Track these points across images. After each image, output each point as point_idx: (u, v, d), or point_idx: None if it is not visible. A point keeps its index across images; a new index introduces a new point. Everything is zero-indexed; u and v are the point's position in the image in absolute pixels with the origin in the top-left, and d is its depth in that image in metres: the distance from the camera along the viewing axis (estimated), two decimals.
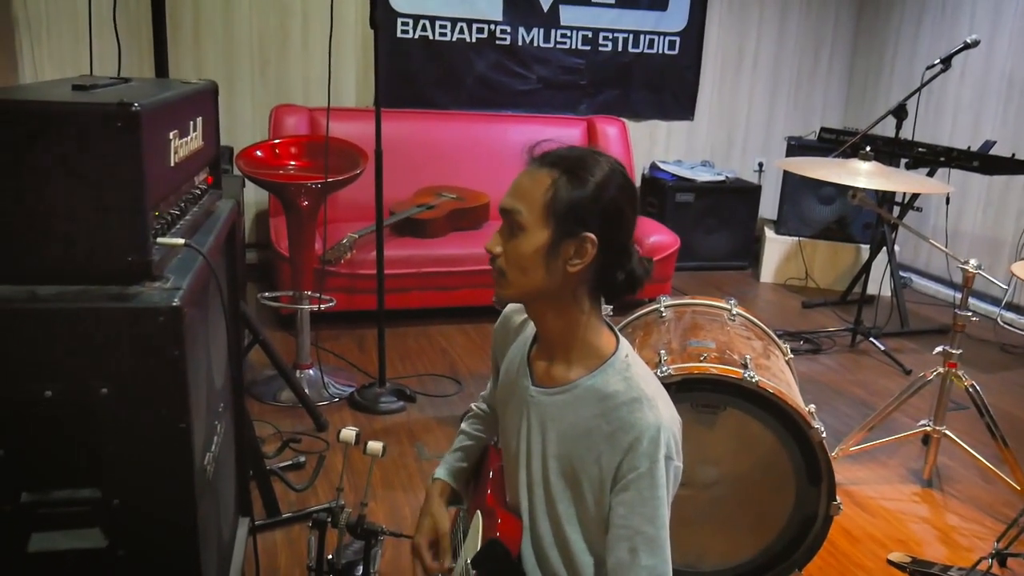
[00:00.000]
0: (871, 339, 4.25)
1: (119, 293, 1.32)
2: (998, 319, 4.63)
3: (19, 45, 2.54)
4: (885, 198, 4.46)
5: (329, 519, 2.04)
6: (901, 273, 4.95)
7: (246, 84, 4.72)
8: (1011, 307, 4.79)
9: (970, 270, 2.75)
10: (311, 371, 3.42)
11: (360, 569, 2.10)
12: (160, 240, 1.39)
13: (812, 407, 2.17)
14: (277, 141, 3.38)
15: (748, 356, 2.19)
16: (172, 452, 1.38)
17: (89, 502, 1.35)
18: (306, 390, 3.23)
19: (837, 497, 2.14)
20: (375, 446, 2.12)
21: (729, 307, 2.57)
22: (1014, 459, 2.78)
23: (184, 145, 1.62)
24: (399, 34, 5.00)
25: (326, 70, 4.80)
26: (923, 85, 3.96)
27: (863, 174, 2.95)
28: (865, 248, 5.23)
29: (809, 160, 3.22)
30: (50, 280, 1.30)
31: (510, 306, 1.62)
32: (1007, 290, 2.86)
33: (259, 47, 4.73)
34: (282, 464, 2.75)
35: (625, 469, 1.33)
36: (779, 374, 2.31)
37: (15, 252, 1.28)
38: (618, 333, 1.46)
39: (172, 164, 1.53)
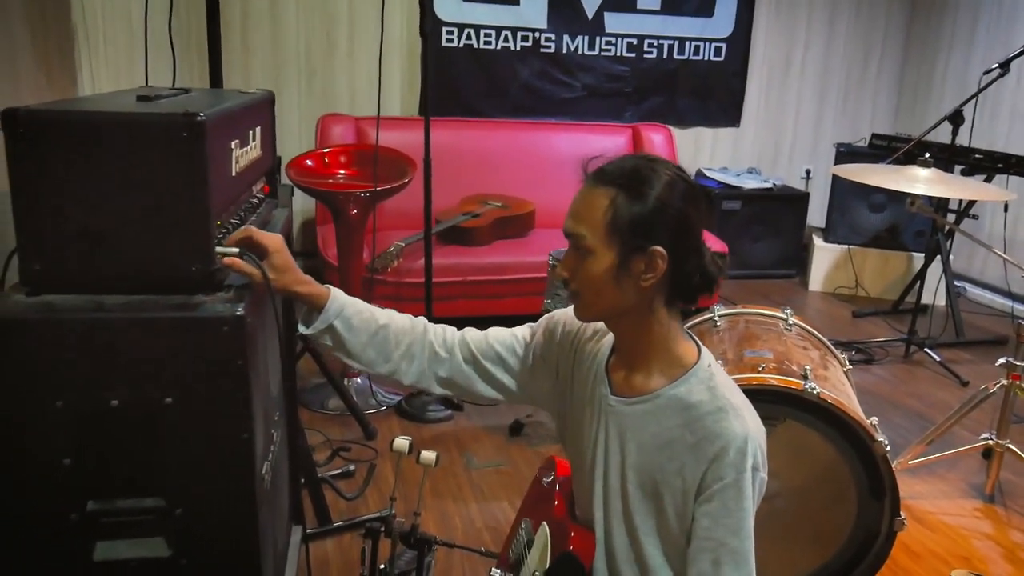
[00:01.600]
0: (926, 350, 4.15)
1: (184, 303, 1.32)
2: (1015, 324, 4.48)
3: (78, 54, 2.59)
4: (940, 205, 4.36)
5: (382, 528, 2.03)
6: (955, 282, 4.82)
7: (293, 93, 4.77)
8: None
9: None
10: (359, 379, 3.42)
11: None
12: (218, 249, 1.40)
13: (875, 419, 2.12)
14: (326, 150, 3.41)
15: (807, 367, 2.14)
16: (234, 462, 1.38)
17: (153, 511, 1.36)
18: (354, 398, 3.23)
19: (901, 513, 2.08)
20: (428, 456, 2.11)
21: (785, 316, 2.52)
22: None
23: (244, 155, 1.63)
24: (444, 43, 5.01)
25: (372, 79, 4.88)
26: (981, 90, 3.87)
27: (922, 181, 2.88)
28: (917, 256, 5.12)
29: (865, 167, 3.16)
30: (115, 290, 1.31)
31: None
32: None
33: (306, 56, 4.78)
34: (332, 472, 2.75)
35: (710, 480, 1.30)
36: (839, 385, 2.25)
37: (82, 262, 1.29)
38: (699, 342, 1.43)
39: (233, 174, 1.54)
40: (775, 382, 2.06)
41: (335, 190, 3.15)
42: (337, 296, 1.51)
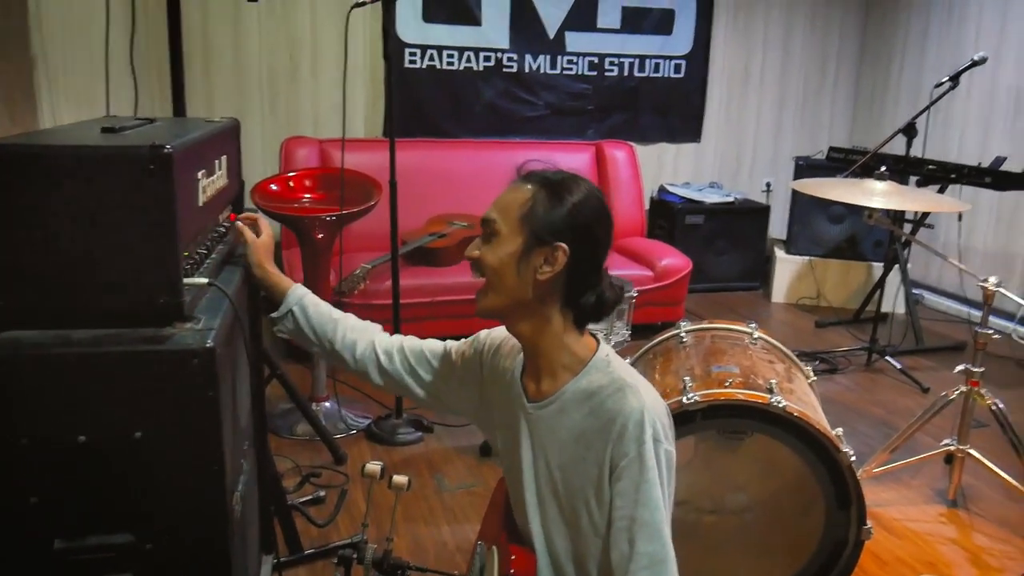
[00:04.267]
0: (887, 358, 4.23)
1: (153, 335, 1.32)
2: (1013, 334, 4.61)
3: (37, 85, 2.57)
4: (896, 216, 4.46)
5: (355, 555, 2.03)
6: (913, 290, 4.93)
7: (256, 117, 4.75)
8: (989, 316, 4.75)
9: (990, 287, 2.74)
10: (327, 403, 3.40)
11: None
12: (186, 281, 1.40)
13: (839, 430, 2.16)
14: (291, 174, 3.39)
15: (773, 380, 2.18)
16: (206, 494, 1.37)
17: (122, 547, 1.34)
18: (323, 423, 3.21)
19: (868, 521, 2.12)
20: (400, 480, 2.11)
21: (750, 331, 2.56)
22: None
23: (211, 184, 1.63)
24: (407, 64, 5.03)
25: (335, 102, 4.88)
26: (932, 103, 3.97)
27: (878, 194, 2.94)
28: (876, 266, 5.22)
29: (823, 181, 3.23)
30: (82, 324, 1.31)
31: (500, 329, 1.63)
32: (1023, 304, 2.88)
33: (269, 80, 4.76)
34: (303, 499, 2.73)
35: (616, 458, 1.36)
36: (804, 397, 2.29)
37: (48, 296, 1.29)
38: (598, 336, 1.50)
39: (200, 204, 1.54)
40: (742, 396, 2.09)
41: (301, 214, 3.15)
42: (298, 287, 1.73)
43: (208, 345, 1.32)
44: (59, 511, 1.31)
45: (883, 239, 5.21)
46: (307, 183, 3.31)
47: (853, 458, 2.09)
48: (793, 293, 5.44)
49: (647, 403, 1.35)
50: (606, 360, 1.44)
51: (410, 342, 1.74)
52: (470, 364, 1.65)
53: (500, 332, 1.65)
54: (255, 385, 2.05)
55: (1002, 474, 2.82)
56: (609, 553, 1.36)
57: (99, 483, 1.32)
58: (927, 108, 4.01)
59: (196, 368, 1.31)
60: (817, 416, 2.18)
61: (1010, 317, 4.81)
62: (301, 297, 1.71)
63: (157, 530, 1.35)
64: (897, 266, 4.56)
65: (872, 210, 2.94)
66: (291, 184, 3.31)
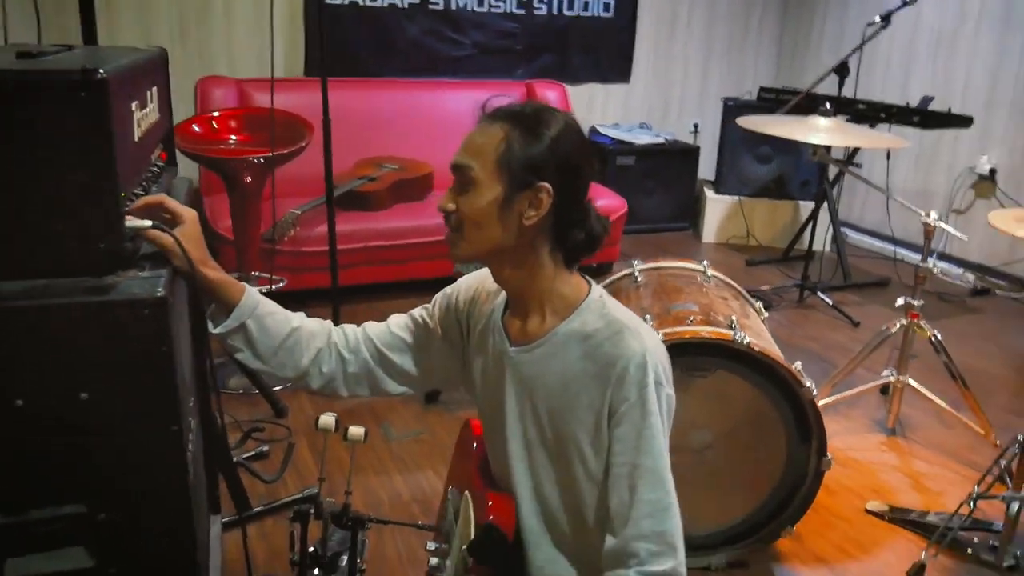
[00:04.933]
0: (818, 293, 4.31)
1: (95, 285, 1.18)
2: (934, 268, 4.75)
3: None
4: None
5: (312, 510, 1.94)
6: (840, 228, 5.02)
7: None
8: (943, 256, 4.92)
9: (931, 223, 2.78)
10: None
11: (344, 560, 2.00)
12: (129, 223, 1.25)
13: (798, 364, 2.16)
14: (216, 114, 3.18)
15: (733, 317, 2.16)
16: (163, 458, 1.25)
17: (72, 519, 1.22)
18: (260, 375, 3.07)
19: (828, 453, 2.14)
20: (356, 431, 2.01)
21: (702, 268, 2.54)
22: (976, 403, 2.84)
23: (144, 118, 1.47)
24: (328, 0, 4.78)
25: (251, 39, 4.61)
26: (864, 43, 3.99)
27: (823, 130, 2.94)
28: (803, 204, 5.31)
29: (767, 118, 3.21)
30: (14, 274, 1.16)
31: (476, 277, 1.53)
32: (964, 239, 2.93)
33: (178, 14, 4.45)
34: (246, 455, 2.61)
35: (616, 403, 1.28)
36: (761, 333, 2.29)
37: None
38: (589, 279, 1.41)
39: (136, 139, 1.39)
40: (706, 334, 2.06)
41: (228, 157, 2.95)
42: (251, 293, 1.44)
43: (159, 294, 1.18)
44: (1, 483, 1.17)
45: (809, 179, 5.29)
46: (232, 124, 3.11)
47: (815, 392, 2.09)
48: (723, 233, 5.49)
49: (649, 346, 1.28)
50: (600, 301, 1.35)
51: (372, 327, 1.56)
52: (447, 324, 1.53)
53: (469, 281, 1.54)
54: (198, 335, 1.92)
55: (939, 402, 2.91)
56: (607, 500, 1.30)
57: (43, 451, 1.18)
58: (859, 47, 4.02)
59: (147, 320, 1.17)
60: (776, 351, 2.18)
61: (930, 253, 4.97)
62: (256, 306, 1.42)
63: (111, 499, 1.22)
64: (826, 204, 4.63)
65: (816, 147, 2.94)
66: (215, 125, 3.10)
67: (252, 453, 2.64)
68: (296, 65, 4.80)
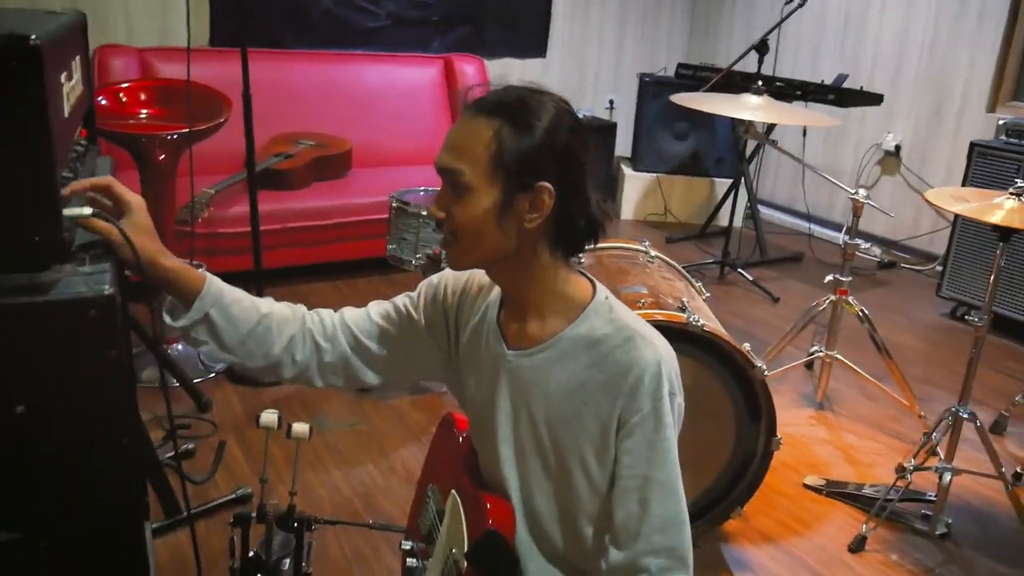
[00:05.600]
0: (738, 270, 4.39)
1: (30, 283, 1.04)
2: (842, 243, 4.90)
3: None
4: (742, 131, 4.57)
5: (254, 514, 1.82)
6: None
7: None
8: (849, 231, 5.07)
9: (860, 200, 2.83)
10: (179, 345, 3.07)
11: (286, 563, 1.90)
12: (66, 212, 1.11)
13: (747, 345, 2.16)
14: (124, 86, 2.94)
15: (683, 299, 2.14)
16: (113, 474, 1.12)
17: (8, 547, 1.08)
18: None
19: (777, 433, 2.15)
20: (301, 428, 1.91)
21: (645, 249, 2.51)
22: (902, 376, 2.93)
23: (72, 91, 1.32)
24: None
25: (152, 5, 4.31)
26: (783, 20, 4.05)
27: (755, 108, 2.95)
28: (719, 182, 5.39)
29: (702, 95, 3.20)
30: None
31: (460, 275, 1.44)
32: (892, 216, 3.04)
33: None
34: (170, 454, 2.44)
35: (627, 414, 1.21)
36: (709, 314, 2.28)
37: None
38: (592, 278, 1.33)
39: (66, 115, 1.23)
40: (660, 317, 2.03)
41: (140, 132, 2.74)
42: (213, 281, 1.32)
43: (106, 292, 1.05)
44: None
45: (724, 156, 5.37)
46: (143, 96, 2.88)
47: (766, 372, 2.10)
48: (641, 209, 5.52)
49: (663, 354, 1.21)
50: (607, 304, 1.27)
51: (350, 313, 1.43)
52: (433, 317, 1.42)
53: (457, 272, 1.42)
54: (124, 328, 1.76)
55: (865, 375, 2.99)
56: (612, 512, 1.23)
57: None
58: (778, 25, 4.08)
59: (93, 321, 1.04)
60: (725, 332, 2.17)
61: (837, 227, 5.14)
62: (220, 294, 1.30)
63: (55, 523, 1.09)
64: (743, 181, 4.70)
65: (748, 124, 2.95)
66: (123, 98, 2.87)
67: (178, 452, 2.47)
68: (201, 34, 4.52)
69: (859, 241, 2.92)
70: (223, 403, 2.83)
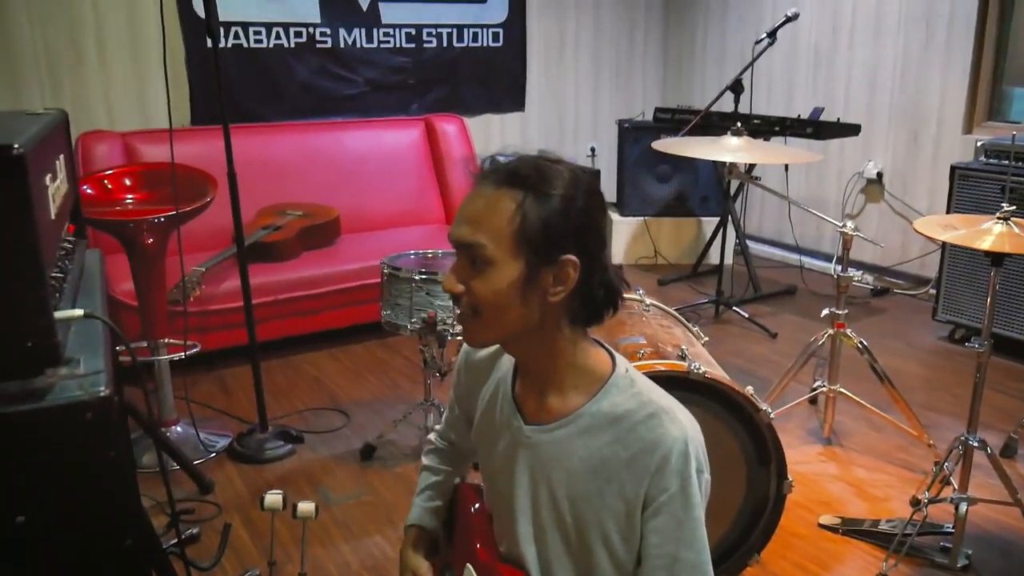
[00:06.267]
0: (733, 308, 4.39)
1: (24, 390, 1.03)
2: (833, 273, 4.92)
3: None
4: (723, 171, 4.61)
5: None
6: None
7: (37, 109, 4.14)
8: (840, 261, 5.09)
9: (849, 232, 2.85)
10: (178, 427, 3.03)
11: None
12: (57, 315, 1.11)
13: (750, 388, 2.14)
14: (108, 172, 2.95)
15: (683, 347, 2.13)
16: None
17: None
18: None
19: (788, 475, 2.13)
20: (307, 507, 1.90)
21: (640, 298, 2.51)
22: (907, 405, 2.91)
23: (57, 191, 1.32)
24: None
25: (129, 89, 4.36)
26: (754, 59, 4.12)
27: (735, 149, 2.98)
28: (705, 220, 5.42)
29: (684, 140, 3.24)
30: None
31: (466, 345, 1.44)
32: (882, 247, 3.06)
33: (48, 66, 4.16)
34: (175, 541, 2.39)
35: (654, 492, 1.19)
36: (710, 360, 2.27)
37: None
38: (610, 349, 1.32)
39: (52, 216, 1.23)
40: (661, 367, 2.02)
41: (127, 219, 2.74)
42: (416, 517, 1.56)
43: (101, 393, 1.04)
44: None
45: (709, 194, 5.42)
46: (127, 182, 2.89)
47: (772, 415, 2.08)
48: (631, 254, 5.54)
49: (689, 432, 1.19)
50: (629, 379, 1.24)
51: (445, 434, 1.61)
52: (460, 396, 1.48)
53: (465, 348, 1.44)
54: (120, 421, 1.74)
55: (871, 408, 2.97)
56: None
57: None
58: (750, 64, 4.15)
59: (90, 424, 1.03)
60: (727, 378, 2.16)
61: (828, 258, 5.17)
62: (419, 519, 1.55)
63: None
64: (731, 219, 4.73)
65: (732, 165, 2.98)
66: (108, 184, 2.88)
67: (182, 537, 2.42)
68: (182, 114, 4.56)
69: (852, 273, 2.92)
70: (225, 483, 2.79)
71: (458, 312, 1.22)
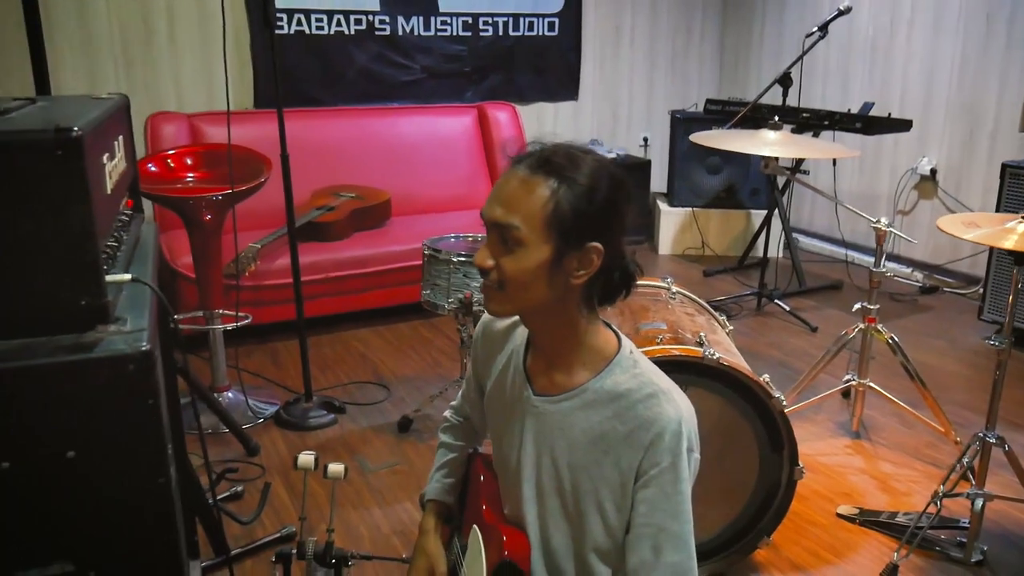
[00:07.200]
0: (775, 301, 4.41)
1: (77, 343, 1.17)
2: (886, 272, 4.89)
3: None
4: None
5: (294, 551, 1.93)
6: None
7: (111, 90, 4.37)
8: (891, 257, 5.07)
9: (882, 228, 2.86)
10: (229, 393, 3.22)
11: None
12: (109, 278, 1.25)
13: (766, 376, 2.21)
14: (171, 152, 3.15)
15: (701, 333, 2.20)
16: (152, 511, 1.24)
17: None
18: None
19: (799, 462, 2.19)
20: (336, 468, 2.02)
21: (667, 285, 2.59)
22: (935, 402, 2.93)
23: (115, 169, 1.47)
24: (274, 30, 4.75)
25: (197, 72, 4.58)
26: (804, 53, 4.11)
27: (773, 143, 3.02)
28: (755, 213, 5.42)
29: (721, 133, 3.29)
30: None
31: (487, 315, 1.55)
32: (914, 242, 3.06)
33: (122, 50, 4.40)
34: (220, 496, 2.57)
35: (646, 466, 1.29)
36: (729, 347, 2.34)
37: None
38: (617, 330, 1.42)
39: (108, 192, 1.38)
40: (677, 352, 2.10)
41: (187, 195, 2.92)
42: (434, 492, 1.68)
43: (144, 348, 1.17)
44: None
45: (759, 187, 5.42)
46: (188, 161, 3.08)
47: (784, 403, 2.15)
48: (679, 244, 5.58)
49: (684, 413, 1.29)
50: (632, 360, 1.35)
51: (461, 410, 1.73)
52: (478, 366, 1.58)
53: (485, 319, 1.54)
54: (168, 381, 1.90)
55: (900, 403, 2.99)
56: (625, 555, 1.32)
57: (30, 511, 1.16)
58: (800, 58, 4.14)
59: (132, 375, 1.17)
60: (745, 365, 2.23)
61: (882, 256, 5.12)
62: (437, 494, 1.67)
63: (100, 555, 1.21)
64: (777, 212, 4.74)
65: (768, 159, 3.02)
66: (171, 163, 3.07)
67: (227, 494, 2.60)
68: (245, 97, 4.77)
69: (885, 268, 2.93)
70: (270, 447, 2.97)
71: (483, 283, 1.32)
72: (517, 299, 1.29)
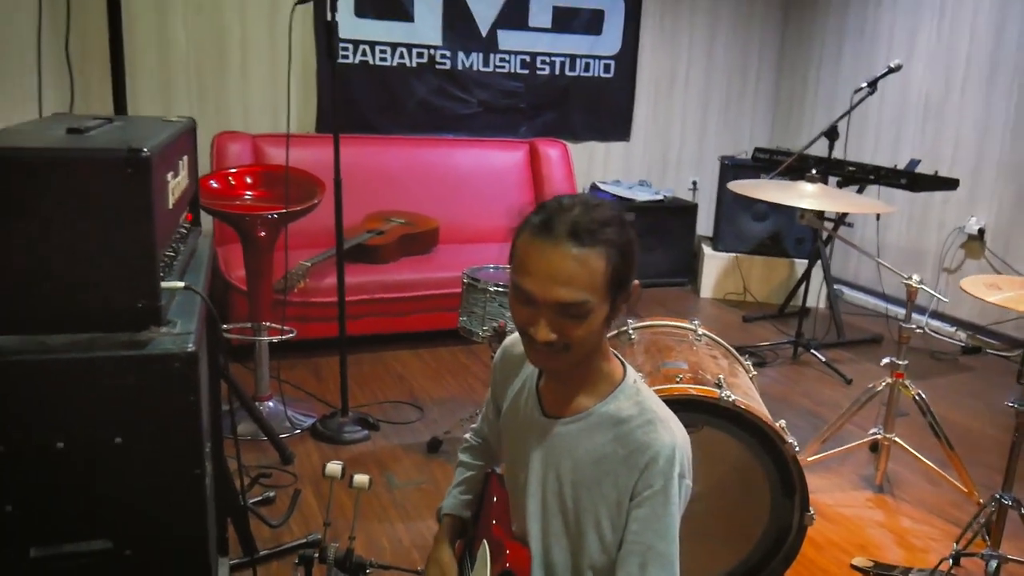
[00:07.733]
0: (812, 351, 4.42)
1: (131, 340, 1.30)
2: (925, 327, 4.87)
3: None
4: (818, 214, 4.65)
5: (316, 555, 2.03)
6: (834, 285, 5.15)
7: (183, 110, 4.63)
8: (935, 315, 5.04)
9: (913, 285, 2.90)
10: (270, 403, 3.37)
11: None
12: (164, 284, 1.38)
13: (782, 422, 2.26)
14: (233, 170, 3.34)
15: (720, 375, 2.27)
16: (186, 499, 1.37)
17: (100, 554, 1.33)
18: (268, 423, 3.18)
19: (811, 508, 2.23)
20: (361, 479, 2.12)
21: (694, 327, 2.66)
22: (960, 462, 2.93)
23: (177, 186, 1.61)
24: (339, 59, 4.97)
25: (266, 96, 4.81)
26: (852, 108, 4.16)
27: (809, 195, 3.08)
28: (798, 262, 5.44)
29: (758, 182, 3.36)
30: (60, 329, 1.29)
31: (509, 338, 1.66)
32: (946, 301, 3.07)
33: (196, 72, 4.65)
34: (253, 500, 2.70)
35: (640, 487, 1.38)
36: (748, 391, 2.39)
37: (24, 301, 1.26)
38: (622, 359, 1.51)
39: (170, 206, 1.53)
40: (693, 391, 2.17)
41: (244, 212, 3.10)
42: (450, 507, 1.78)
43: (189, 349, 1.31)
44: (36, 519, 1.29)
45: (804, 236, 5.44)
46: (248, 180, 3.26)
47: (797, 449, 2.20)
48: (720, 288, 5.62)
49: (678, 440, 1.39)
50: (635, 388, 1.45)
51: (480, 433, 1.81)
52: (496, 389, 1.68)
53: (507, 343, 1.66)
54: (211, 384, 2.03)
55: (924, 460, 3.00)
56: (616, 571, 1.40)
57: (77, 490, 1.30)
58: (848, 112, 4.19)
59: (177, 372, 1.30)
60: (762, 409, 2.28)
61: (922, 311, 5.10)
62: (452, 509, 1.76)
63: (136, 536, 1.34)
64: (820, 262, 4.76)
65: (804, 211, 3.08)
66: (231, 181, 3.25)
67: (259, 498, 2.73)
68: (308, 121, 4.99)
69: (914, 324, 2.96)
70: (304, 457, 3.09)
71: (539, 345, 1.35)
72: (582, 353, 1.39)
